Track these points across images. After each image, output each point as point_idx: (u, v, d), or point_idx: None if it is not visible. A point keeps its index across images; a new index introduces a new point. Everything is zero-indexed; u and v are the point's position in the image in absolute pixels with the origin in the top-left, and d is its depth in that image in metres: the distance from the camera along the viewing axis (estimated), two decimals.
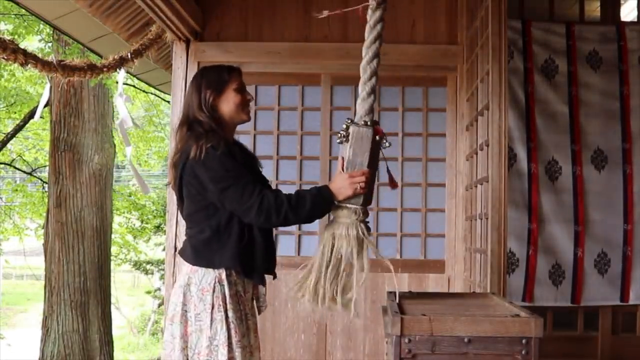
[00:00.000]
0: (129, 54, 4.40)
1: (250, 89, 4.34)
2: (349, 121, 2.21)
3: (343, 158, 2.26)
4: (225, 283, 2.38)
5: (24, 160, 11.54)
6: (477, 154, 3.66)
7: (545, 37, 4.05)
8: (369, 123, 2.19)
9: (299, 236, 4.29)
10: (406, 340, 2.00)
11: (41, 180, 11.00)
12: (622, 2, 4.47)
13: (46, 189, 9.01)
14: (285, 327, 4.21)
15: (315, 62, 4.31)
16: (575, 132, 4.02)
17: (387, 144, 2.22)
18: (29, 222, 11.62)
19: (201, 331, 2.35)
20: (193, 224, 2.47)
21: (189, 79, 4.26)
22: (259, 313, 2.58)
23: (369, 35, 2.26)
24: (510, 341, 1.98)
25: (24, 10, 6.00)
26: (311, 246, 4.26)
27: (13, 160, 11.33)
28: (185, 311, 2.39)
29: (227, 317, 2.35)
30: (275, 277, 2.65)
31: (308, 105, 4.37)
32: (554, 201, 3.97)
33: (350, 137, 2.18)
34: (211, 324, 2.34)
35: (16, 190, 11.16)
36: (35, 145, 11.63)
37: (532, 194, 3.94)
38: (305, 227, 4.28)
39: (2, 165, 11.39)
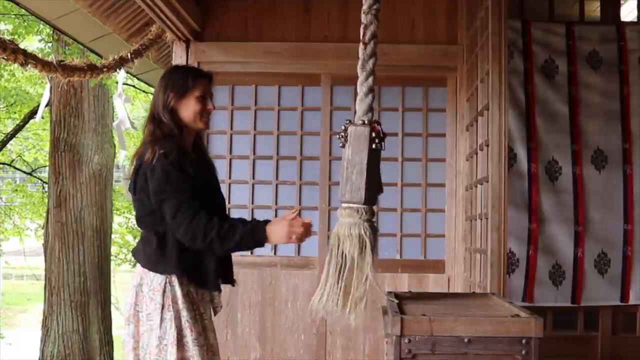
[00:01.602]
0: (129, 54, 4.40)
1: (250, 89, 4.38)
2: (348, 122, 2.22)
3: (298, 212, 2.34)
4: (175, 284, 2.39)
5: (24, 161, 11.55)
6: (477, 154, 3.66)
7: (545, 37, 4.05)
8: (366, 122, 2.20)
9: None
10: (406, 341, 2.00)
11: (41, 180, 11.00)
12: (622, 2, 4.47)
13: (46, 189, 9.01)
14: (285, 327, 4.21)
15: (315, 62, 4.31)
16: (575, 132, 4.02)
17: (380, 144, 2.21)
18: (29, 222, 11.62)
19: (152, 330, 2.37)
20: (142, 228, 2.50)
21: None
22: (215, 314, 2.58)
23: (364, 35, 2.26)
24: (511, 341, 1.98)
25: (24, 10, 6.00)
26: (311, 246, 4.26)
27: (13, 160, 11.33)
28: (138, 311, 2.41)
29: (178, 316, 2.36)
30: (234, 284, 2.63)
31: (308, 105, 4.37)
32: (554, 201, 3.96)
33: (348, 137, 2.18)
34: (161, 323, 2.35)
35: (16, 190, 11.17)
36: (35, 145, 11.63)
37: (532, 194, 3.94)
38: None
39: (2, 165, 11.39)
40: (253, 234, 2.33)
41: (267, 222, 2.36)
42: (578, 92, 4.04)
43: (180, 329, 2.35)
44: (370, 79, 2.24)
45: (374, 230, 2.18)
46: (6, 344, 11.81)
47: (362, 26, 2.26)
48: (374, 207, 2.22)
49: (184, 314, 2.36)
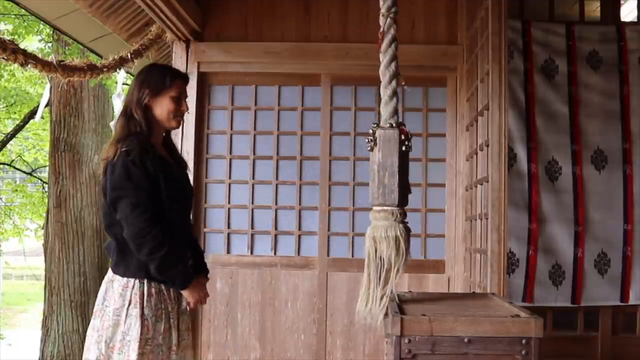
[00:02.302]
0: (129, 54, 4.40)
1: (250, 89, 4.38)
2: (375, 125, 2.24)
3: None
4: (144, 282, 2.42)
5: (24, 161, 11.55)
6: (477, 154, 3.66)
7: (545, 37, 4.05)
8: (394, 125, 2.22)
9: (299, 236, 4.29)
10: (406, 341, 2.00)
11: (41, 180, 11.01)
12: (622, 2, 4.47)
13: (46, 189, 9.01)
14: (285, 327, 4.21)
15: (315, 62, 4.31)
16: (575, 132, 4.02)
17: (409, 145, 2.25)
18: (29, 222, 11.62)
19: (117, 326, 2.39)
20: (106, 226, 2.53)
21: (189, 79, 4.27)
22: (188, 310, 2.60)
23: (384, 39, 2.27)
24: (511, 341, 1.98)
25: (24, 11, 6.00)
26: (311, 246, 4.26)
27: (13, 160, 11.33)
28: (105, 306, 2.43)
29: (143, 314, 2.38)
30: (206, 273, 2.69)
31: (308, 105, 4.37)
32: (554, 201, 3.96)
33: (378, 141, 2.20)
34: (126, 319, 2.38)
35: (16, 190, 11.17)
36: (35, 145, 11.64)
37: (532, 194, 3.94)
38: (305, 227, 4.29)
39: (2, 166, 11.39)
40: (182, 281, 2.45)
41: (194, 278, 2.49)
42: (578, 92, 4.04)
43: (144, 325, 2.38)
44: (394, 82, 2.28)
45: (407, 231, 2.26)
46: (6, 344, 11.81)
47: (380, 30, 2.27)
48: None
49: (146, 312, 2.39)
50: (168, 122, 2.57)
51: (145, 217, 2.35)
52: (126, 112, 2.53)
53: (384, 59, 2.29)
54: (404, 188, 2.24)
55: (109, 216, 2.47)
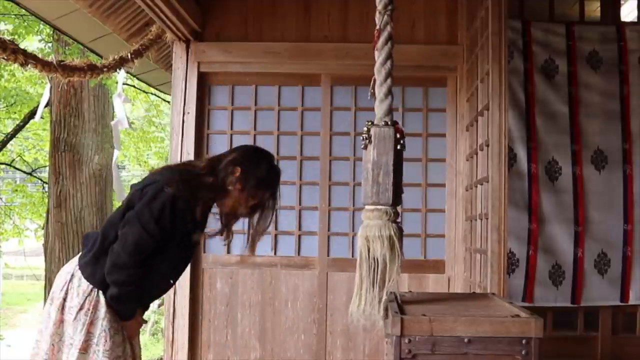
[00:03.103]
0: (129, 54, 4.40)
1: (250, 89, 4.38)
2: (370, 123, 2.22)
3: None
4: (102, 293, 2.41)
5: (24, 161, 11.55)
6: (477, 154, 3.66)
7: (545, 37, 4.05)
8: (389, 123, 2.21)
9: (299, 236, 4.29)
10: (406, 341, 2.00)
11: (41, 180, 11.01)
12: (622, 2, 4.47)
13: (46, 190, 9.01)
14: (285, 327, 4.21)
15: (315, 62, 4.31)
16: (575, 132, 4.02)
17: (403, 144, 2.23)
18: (29, 222, 11.62)
19: (67, 324, 2.38)
20: (106, 222, 2.52)
21: (189, 79, 4.29)
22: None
23: (380, 37, 2.26)
24: (511, 341, 1.98)
25: (24, 10, 6.00)
26: (311, 246, 4.26)
27: (13, 160, 11.33)
28: (64, 300, 2.41)
29: (93, 323, 2.37)
30: (145, 309, 2.65)
31: (308, 105, 4.37)
32: (554, 201, 3.96)
33: (372, 139, 2.19)
34: (73, 322, 2.37)
35: (16, 190, 11.17)
36: (35, 145, 11.64)
37: (532, 194, 3.94)
38: (305, 227, 4.29)
39: (2, 166, 11.39)
40: (125, 316, 2.44)
41: (134, 315, 2.48)
42: (578, 92, 4.04)
43: (92, 335, 2.37)
44: (389, 81, 2.26)
45: (401, 231, 2.21)
46: (6, 345, 11.80)
47: (377, 27, 2.26)
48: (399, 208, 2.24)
49: (104, 323, 2.38)
50: (223, 208, 2.53)
51: (137, 257, 2.35)
52: (211, 169, 2.47)
53: (379, 56, 2.28)
54: (398, 187, 2.21)
55: (115, 222, 2.44)
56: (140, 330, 2.61)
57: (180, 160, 4.05)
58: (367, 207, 2.22)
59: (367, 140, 2.20)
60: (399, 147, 2.19)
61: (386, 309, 2.15)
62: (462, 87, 4.22)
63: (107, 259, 2.37)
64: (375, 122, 2.23)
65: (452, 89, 4.29)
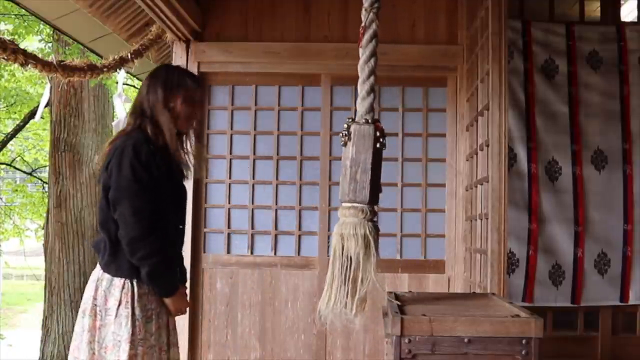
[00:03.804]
0: (129, 54, 4.40)
1: (250, 89, 4.38)
2: (350, 120, 2.21)
3: None
4: (135, 281, 2.41)
5: (24, 161, 11.55)
6: (477, 154, 3.66)
7: (545, 37, 4.05)
8: (369, 121, 2.19)
9: (299, 236, 4.29)
10: (406, 341, 2.00)
11: (41, 180, 11.01)
12: (622, 2, 4.47)
13: (46, 190, 9.02)
14: (285, 327, 4.21)
15: (315, 62, 4.31)
16: (575, 132, 4.02)
17: (383, 143, 2.20)
18: (29, 222, 11.62)
19: (108, 326, 2.38)
20: (100, 222, 2.51)
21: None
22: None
23: (365, 34, 2.25)
24: (511, 341, 1.98)
25: (24, 11, 6.00)
26: (311, 246, 4.26)
27: (13, 160, 11.33)
28: (95, 305, 2.42)
29: (133, 313, 2.38)
30: (185, 282, 2.67)
31: (308, 105, 4.37)
32: (554, 201, 3.96)
33: (352, 136, 2.17)
34: (116, 319, 2.38)
35: (16, 190, 11.17)
36: (35, 145, 11.64)
37: (532, 194, 3.94)
38: (305, 227, 4.29)
39: (2, 166, 11.39)
40: (167, 289, 2.46)
41: (179, 288, 2.52)
42: (578, 92, 4.04)
43: (134, 326, 2.37)
44: (372, 79, 2.23)
45: (377, 230, 2.18)
46: (7, 344, 11.80)
47: (362, 25, 2.25)
48: (376, 207, 2.22)
49: (137, 312, 2.39)
50: (180, 124, 2.56)
51: (144, 223, 2.35)
52: (137, 109, 2.53)
53: (363, 54, 2.26)
54: (376, 186, 2.19)
55: (105, 212, 2.44)
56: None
57: None
58: (343, 204, 2.19)
59: (347, 137, 2.19)
60: (378, 145, 2.17)
61: (386, 309, 2.15)
62: (462, 87, 4.22)
63: (123, 246, 2.38)
64: (356, 119, 2.22)
65: (452, 89, 4.29)
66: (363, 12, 2.25)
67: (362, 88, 2.24)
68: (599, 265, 3.98)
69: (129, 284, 2.40)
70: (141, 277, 2.40)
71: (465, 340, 1.99)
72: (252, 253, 4.29)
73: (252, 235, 4.31)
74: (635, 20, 4.69)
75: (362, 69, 2.25)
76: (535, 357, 1.97)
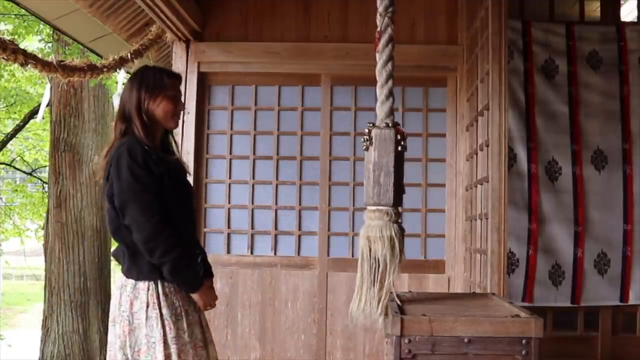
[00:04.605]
0: (129, 54, 4.40)
1: (250, 89, 4.38)
2: (371, 125, 2.24)
3: None
4: (159, 282, 2.40)
5: (24, 161, 11.55)
6: (477, 154, 3.66)
7: (546, 37, 4.05)
8: (390, 125, 2.22)
9: (299, 236, 4.29)
10: (406, 341, 2.00)
11: (41, 180, 11.01)
12: (622, 2, 4.47)
13: (46, 190, 9.02)
14: (285, 327, 4.21)
15: (315, 62, 4.31)
16: (575, 132, 4.02)
17: (404, 145, 2.24)
18: (29, 223, 11.62)
19: (139, 329, 2.38)
20: (112, 232, 2.51)
21: (189, 79, 4.29)
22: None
23: (381, 39, 2.27)
24: (511, 341, 1.98)
25: (24, 11, 6.00)
26: (311, 246, 4.26)
27: (13, 160, 11.33)
28: (123, 311, 2.41)
29: (161, 314, 2.37)
30: (211, 276, 2.67)
31: (308, 105, 4.37)
32: (554, 201, 3.96)
33: (373, 140, 2.21)
34: (146, 321, 2.37)
35: (16, 190, 11.17)
36: (35, 145, 11.64)
37: (532, 194, 3.94)
38: (305, 227, 4.29)
39: (2, 166, 11.39)
40: (193, 284, 2.45)
41: (205, 281, 2.49)
42: (578, 92, 4.04)
43: (164, 326, 2.37)
44: (390, 82, 2.28)
45: (402, 231, 2.23)
46: (6, 345, 11.81)
47: (378, 30, 2.27)
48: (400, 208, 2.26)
49: (164, 311, 2.38)
50: (167, 123, 2.56)
51: (155, 220, 2.34)
52: (124, 115, 2.52)
53: (380, 58, 2.29)
54: (399, 188, 2.23)
55: (115, 221, 2.45)
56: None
57: None
58: (368, 207, 2.24)
59: (368, 142, 2.22)
60: (399, 148, 2.21)
61: (386, 309, 2.15)
62: (462, 87, 4.22)
63: (140, 248, 2.37)
64: (377, 124, 2.25)
65: (452, 89, 4.29)
66: (378, 16, 2.29)
67: (381, 92, 2.28)
68: (598, 265, 3.98)
69: (153, 285, 2.39)
70: (164, 276, 2.39)
71: (465, 340, 1.99)
72: (252, 253, 4.29)
73: (252, 235, 4.31)
74: (635, 20, 4.69)
75: (380, 73, 2.29)
76: (535, 357, 1.97)
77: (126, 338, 2.39)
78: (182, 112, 2.65)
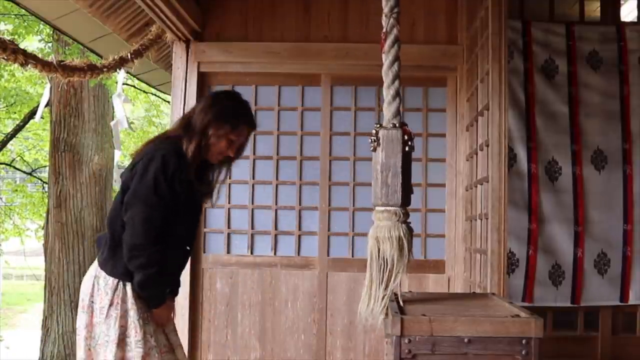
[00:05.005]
0: (129, 55, 4.40)
1: (250, 89, 4.38)
2: (378, 126, 2.24)
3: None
4: (128, 284, 2.42)
5: (24, 161, 11.55)
6: (477, 154, 3.66)
7: (545, 37, 4.05)
8: (397, 125, 2.22)
9: (299, 236, 4.29)
10: (406, 341, 2.00)
11: (41, 180, 11.01)
12: (622, 2, 4.47)
13: (46, 190, 9.01)
14: (285, 327, 4.21)
15: (315, 62, 4.31)
16: (575, 132, 4.02)
17: (412, 146, 2.25)
18: (29, 222, 11.62)
19: (99, 325, 2.42)
20: (109, 218, 2.52)
21: (189, 79, 4.28)
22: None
23: (387, 40, 2.28)
24: (511, 341, 1.98)
25: (24, 10, 6.00)
26: (311, 246, 4.26)
27: (13, 160, 11.33)
28: (92, 302, 2.44)
29: (124, 315, 2.39)
30: (175, 294, 2.68)
31: (308, 105, 4.37)
32: (554, 201, 3.96)
33: (381, 141, 2.21)
34: (106, 319, 2.40)
35: (16, 190, 11.17)
36: (35, 145, 11.63)
37: (532, 194, 3.94)
38: (305, 227, 4.29)
39: (2, 166, 11.39)
40: (155, 302, 2.46)
41: (165, 301, 2.50)
42: (578, 92, 4.04)
43: (125, 328, 2.39)
44: (397, 83, 2.28)
45: (410, 231, 2.26)
46: (4, 347, 11.81)
47: (383, 31, 2.28)
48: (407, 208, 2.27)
49: (131, 314, 2.40)
50: (210, 155, 2.56)
51: (151, 233, 2.35)
52: (188, 124, 2.52)
53: (386, 59, 2.29)
54: (407, 188, 2.25)
55: (117, 210, 2.45)
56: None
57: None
58: (377, 208, 2.25)
59: (376, 143, 2.23)
60: (407, 148, 2.22)
61: (386, 309, 2.15)
62: (462, 87, 4.22)
63: (124, 249, 2.38)
64: (384, 124, 2.25)
65: (452, 89, 4.29)
66: (383, 17, 2.29)
67: (388, 93, 2.28)
68: (598, 265, 3.98)
69: (122, 285, 2.41)
70: (133, 283, 2.41)
71: (465, 340, 1.99)
72: (252, 253, 4.29)
73: (252, 235, 4.31)
74: (635, 20, 4.69)
75: (387, 74, 2.29)
76: (535, 357, 1.97)
77: (92, 329, 2.43)
78: (233, 161, 2.65)
